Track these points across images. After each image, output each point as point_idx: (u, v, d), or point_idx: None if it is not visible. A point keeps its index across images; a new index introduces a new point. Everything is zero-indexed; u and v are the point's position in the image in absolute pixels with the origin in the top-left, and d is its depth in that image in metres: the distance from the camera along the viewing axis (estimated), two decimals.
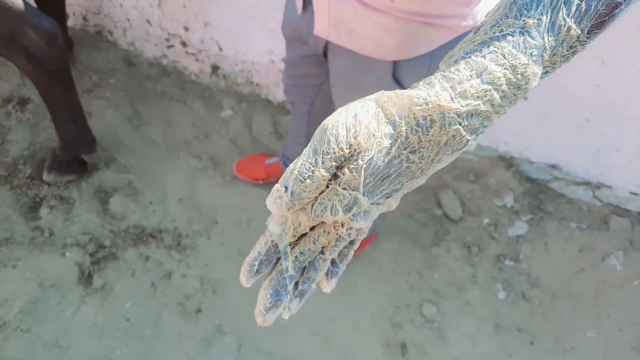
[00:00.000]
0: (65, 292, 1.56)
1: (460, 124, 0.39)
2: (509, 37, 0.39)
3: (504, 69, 0.39)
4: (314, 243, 0.44)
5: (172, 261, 1.64)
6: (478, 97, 0.39)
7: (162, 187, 1.80)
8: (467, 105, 0.39)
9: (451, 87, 0.39)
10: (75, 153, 1.72)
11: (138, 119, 1.96)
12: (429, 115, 0.39)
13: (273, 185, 0.44)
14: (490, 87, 0.39)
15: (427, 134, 0.40)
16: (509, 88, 0.39)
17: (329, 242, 0.45)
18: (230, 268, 1.64)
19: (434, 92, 0.39)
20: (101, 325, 1.51)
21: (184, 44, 2.01)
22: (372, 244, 1.68)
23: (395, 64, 0.90)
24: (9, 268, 1.59)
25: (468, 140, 0.40)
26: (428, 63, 0.88)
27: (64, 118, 1.60)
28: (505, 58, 0.39)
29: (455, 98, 0.39)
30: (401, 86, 0.92)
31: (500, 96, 0.39)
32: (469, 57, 0.40)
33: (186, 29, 1.96)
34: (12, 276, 1.57)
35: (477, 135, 0.41)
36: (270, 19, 1.72)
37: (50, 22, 1.39)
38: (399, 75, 0.92)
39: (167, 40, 2.03)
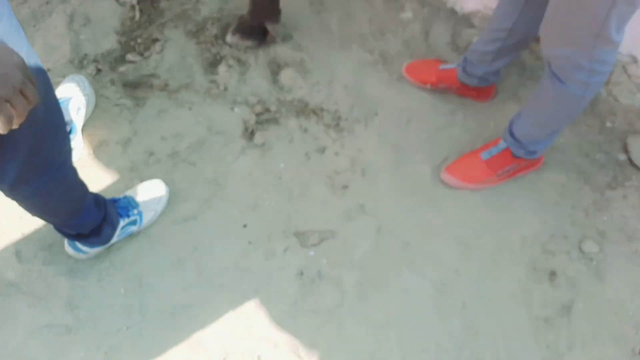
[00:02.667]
0: (229, 141, 1.66)
1: None
2: None
3: None
4: None
5: (327, 138, 1.66)
6: None
7: (331, 71, 1.81)
8: None
9: None
10: (261, 20, 1.78)
11: (319, 5, 1.97)
12: None
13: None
14: None
15: None
16: None
17: None
18: (382, 158, 1.62)
19: None
20: (255, 176, 1.59)
21: None
22: (536, 171, 1.55)
23: None
24: (185, 109, 1.72)
25: None
26: None
27: None
28: None
29: None
30: None
31: None
32: None
33: None
34: (186, 116, 1.71)
35: None
36: None
37: None
38: None
39: None
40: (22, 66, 0.69)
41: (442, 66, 1.72)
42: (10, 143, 0.90)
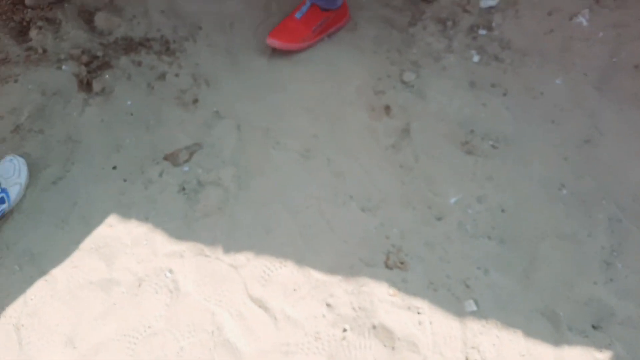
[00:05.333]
0: (69, 99, 1.66)
1: None
2: None
3: None
4: None
5: (163, 64, 1.72)
6: None
7: (142, 2, 1.84)
8: None
9: None
10: None
11: None
12: None
13: None
14: None
15: None
16: None
17: None
18: (220, 64, 1.72)
19: None
20: (107, 121, 1.63)
21: None
22: (351, 31, 1.75)
23: None
24: (11, 83, 1.67)
25: None
26: None
27: None
28: None
29: None
30: None
31: None
32: None
33: None
34: (15, 89, 1.66)
35: None
36: None
37: None
38: None
39: None
40: None
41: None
42: None
